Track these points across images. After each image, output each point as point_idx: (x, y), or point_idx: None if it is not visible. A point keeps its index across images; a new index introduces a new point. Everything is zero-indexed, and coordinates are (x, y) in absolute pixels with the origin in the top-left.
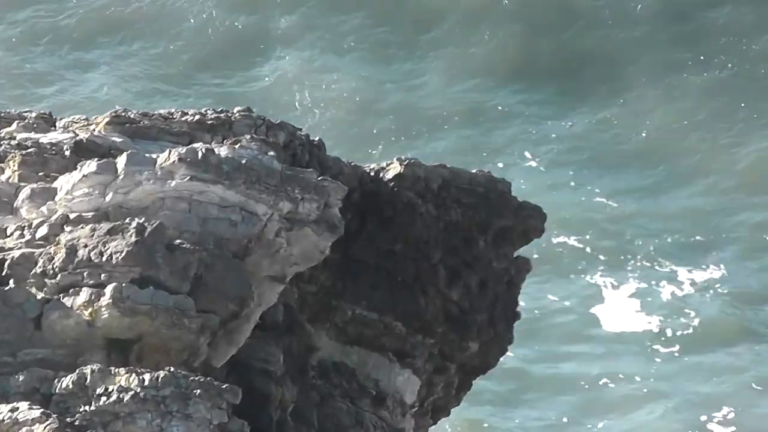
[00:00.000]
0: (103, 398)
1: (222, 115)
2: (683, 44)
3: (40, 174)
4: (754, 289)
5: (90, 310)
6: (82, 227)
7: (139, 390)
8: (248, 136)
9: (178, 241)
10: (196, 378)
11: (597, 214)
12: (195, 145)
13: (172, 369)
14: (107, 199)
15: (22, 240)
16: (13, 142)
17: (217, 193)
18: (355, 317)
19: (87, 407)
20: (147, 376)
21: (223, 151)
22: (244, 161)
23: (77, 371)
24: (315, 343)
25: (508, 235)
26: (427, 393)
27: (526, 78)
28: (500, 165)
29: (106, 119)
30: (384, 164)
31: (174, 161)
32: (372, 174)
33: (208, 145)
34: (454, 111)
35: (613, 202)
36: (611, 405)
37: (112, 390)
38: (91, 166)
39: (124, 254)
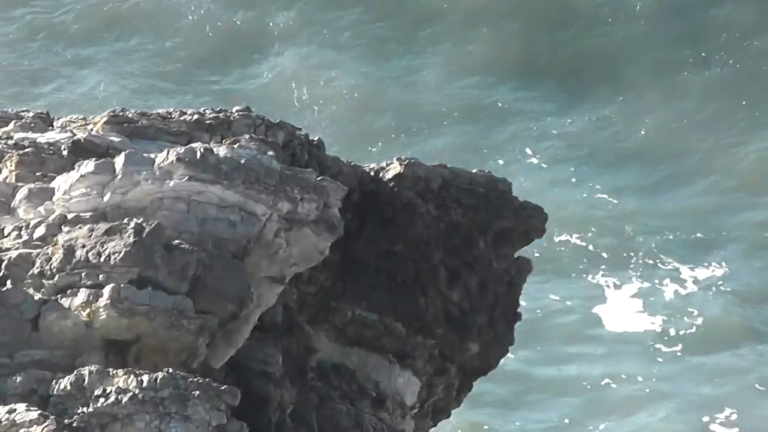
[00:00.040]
0: (101, 400)
1: (221, 114)
2: (684, 42)
3: (37, 174)
4: (756, 288)
5: (88, 310)
6: (80, 227)
7: (137, 391)
8: (247, 136)
9: (176, 241)
10: (195, 379)
11: (599, 212)
12: (193, 144)
13: (170, 370)
14: (105, 199)
15: (20, 240)
16: (10, 142)
17: (215, 194)
18: (355, 318)
19: (85, 409)
20: (145, 378)
21: (221, 150)
22: (243, 161)
23: (75, 372)
24: (314, 344)
25: (509, 236)
26: (427, 394)
27: (526, 74)
28: (501, 162)
29: (104, 119)
30: (384, 164)
31: (172, 161)
32: (372, 174)
33: (206, 145)
34: (453, 108)
35: (614, 199)
36: (613, 406)
37: (110, 391)
38: (88, 166)
39: (122, 255)
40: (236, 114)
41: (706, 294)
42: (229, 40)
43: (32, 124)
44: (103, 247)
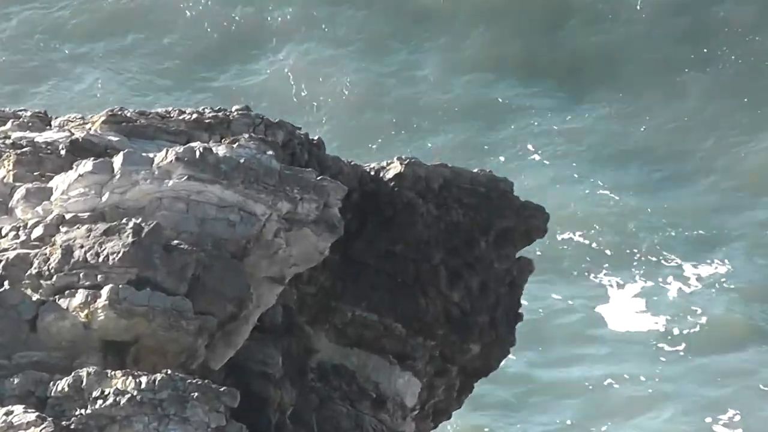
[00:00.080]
0: (100, 401)
1: (220, 113)
2: (686, 39)
3: (35, 174)
4: (760, 286)
5: (86, 311)
6: (78, 228)
7: (135, 393)
8: (246, 135)
9: (175, 241)
10: (194, 381)
11: (601, 209)
12: (193, 144)
13: (169, 371)
14: (104, 199)
15: (17, 241)
16: (7, 141)
17: (215, 193)
18: (355, 319)
19: (83, 410)
20: (144, 379)
21: (221, 150)
22: (242, 160)
23: (73, 374)
24: (314, 345)
25: (510, 236)
26: (428, 396)
27: (527, 71)
28: (501, 159)
29: (102, 118)
30: (384, 163)
31: (171, 160)
32: (372, 173)
33: (205, 144)
34: (454, 105)
35: (616, 197)
36: (616, 408)
37: (109, 393)
38: (87, 165)
39: (120, 255)
40: (235, 113)
41: (709, 292)
42: (228, 37)
43: (30, 124)
44: (101, 247)
